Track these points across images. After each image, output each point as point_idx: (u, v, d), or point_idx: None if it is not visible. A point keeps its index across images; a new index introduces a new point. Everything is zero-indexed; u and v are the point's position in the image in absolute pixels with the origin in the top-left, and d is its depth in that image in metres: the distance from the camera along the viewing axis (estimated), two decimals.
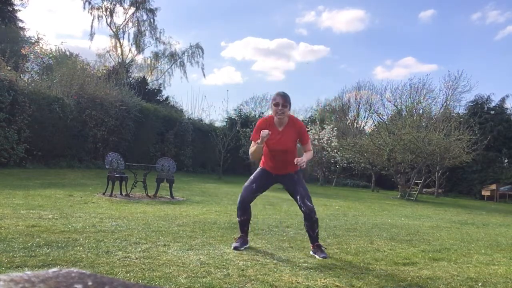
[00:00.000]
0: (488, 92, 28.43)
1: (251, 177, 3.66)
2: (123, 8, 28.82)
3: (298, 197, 3.48)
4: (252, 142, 3.58)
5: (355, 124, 25.94)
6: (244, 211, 3.59)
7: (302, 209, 3.46)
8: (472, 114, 20.25)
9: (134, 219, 4.64)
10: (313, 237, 3.51)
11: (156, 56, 30.42)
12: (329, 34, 44.02)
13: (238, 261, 3.00)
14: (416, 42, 43.09)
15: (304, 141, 3.58)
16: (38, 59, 15.88)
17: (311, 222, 3.49)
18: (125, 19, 29.15)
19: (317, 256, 3.37)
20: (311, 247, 3.53)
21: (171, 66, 30.67)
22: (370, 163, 17.44)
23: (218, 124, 21.73)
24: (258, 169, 3.68)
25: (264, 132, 3.33)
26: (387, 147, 14.83)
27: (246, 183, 3.63)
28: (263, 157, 3.65)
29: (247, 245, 3.54)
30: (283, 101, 3.43)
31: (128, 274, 2.46)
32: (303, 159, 3.35)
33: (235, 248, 3.37)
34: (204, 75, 32.48)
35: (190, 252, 3.17)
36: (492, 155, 21.58)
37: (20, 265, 2.48)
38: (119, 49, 29.75)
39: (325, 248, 3.57)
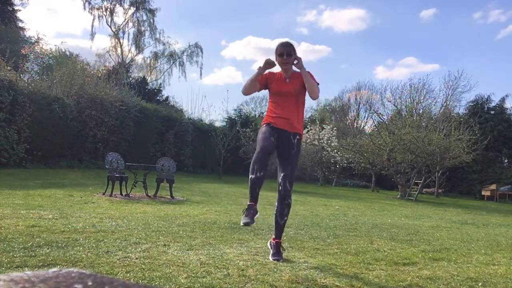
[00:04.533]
0: (488, 92, 28.47)
1: (265, 132, 3.21)
2: (123, 8, 28.89)
3: (282, 175, 3.23)
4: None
5: (355, 124, 25.93)
6: (262, 165, 3.07)
7: (280, 187, 3.24)
8: (472, 114, 20.25)
9: (134, 219, 4.64)
10: (279, 227, 3.30)
11: (156, 56, 30.46)
12: (330, 34, 44.18)
13: (238, 261, 3.00)
14: (418, 42, 43.25)
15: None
16: (38, 59, 15.89)
17: (282, 206, 3.27)
18: (125, 19, 29.21)
19: (270, 253, 3.21)
20: (272, 239, 3.33)
21: (171, 66, 30.71)
22: (370, 163, 17.44)
23: (218, 124, 21.77)
24: (265, 126, 3.29)
25: (269, 59, 3.12)
26: (387, 147, 14.83)
27: (262, 136, 3.18)
28: (268, 110, 3.39)
29: (257, 215, 3.13)
30: (287, 50, 3.26)
31: (128, 274, 2.46)
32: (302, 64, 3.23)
33: (246, 224, 3.00)
34: (201, 74, 32.53)
35: (190, 252, 3.17)
36: (492, 155, 21.59)
37: (20, 265, 2.47)
38: (119, 49, 29.80)
39: (284, 251, 3.30)
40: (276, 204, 3.33)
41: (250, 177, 3.11)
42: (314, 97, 3.37)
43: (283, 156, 3.30)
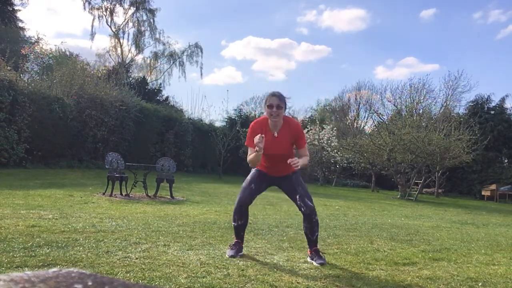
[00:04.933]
0: (488, 92, 28.47)
1: (248, 178, 3.40)
2: (123, 8, 28.90)
3: (297, 197, 3.25)
4: (249, 148, 3.32)
5: (355, 124, 25.94)
6: (241, 214, 3.33)
7: (302, 209, 3.22)
8: (472, 114, 20.25)
9: (134, 219, 4.64)
10: (312, 241, 3.28)
11: (156, 56, 30.46)
12: (330, 34, 44.18)
13: (238, 261, 3.00)
14: (418, 42, 43.27)
15: (300, 145, 3.33)
16: (38, 59, 15.88)
17: (311, 224, 3.25)
18: (125, 19, 29.21)
19: (314, 262, 3.15)
20: (308, 252, 3.31)
21: (171, 66, 30.71)
22: (370, 163, 17.44)
23: (218, 124, 21.76)
24: (254, 170, 3.43)
25: (257, 138, 3.06)
26: (387, 147, 14.83)
27: (244, 185, 3.38)
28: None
29: (242, 253, 3.28)
30: (277, 102, 3.17)
31: (128, 274, 2.46)
32: (298, 161, 3.10)
33: (231, 257, 3.11)
34: (201, 74, 32.59)
35: (190, 252, 3.17)
36: (492, 155, 21.58)
37: (20, 265, 2.48)
38: (119, 49, 29.80)
39: (324, 254, 3.33)
40: (303, 224, 3.32)
41: (233, 223, 3.42)
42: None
43: (286, 187, 3.37)
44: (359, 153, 17.06)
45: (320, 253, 3.26)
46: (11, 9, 21.49)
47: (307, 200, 3.24)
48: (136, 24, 29.28)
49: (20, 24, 21.79)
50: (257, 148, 3.11)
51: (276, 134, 3.26)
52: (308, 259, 3.30)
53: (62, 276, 0.42)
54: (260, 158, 3.24)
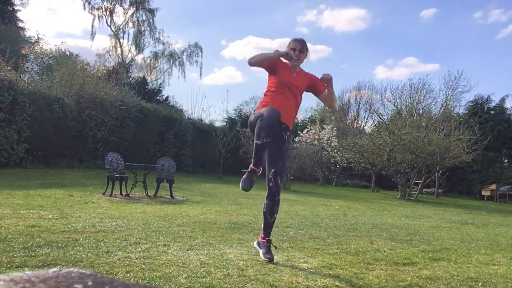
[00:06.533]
0: (488, 92, 28.45)
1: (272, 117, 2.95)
2: (123, 8, 28.90)
3: (272, 170, 3.19)
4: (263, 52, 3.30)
5: (355, 124, 25.92)
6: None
7: (270, 184, 3.18)
8: (472, 114, 20.25)
9: (134, 219, 4.64)
10: (269, 225, 3.22)
11: (156, 56, 30.45)
12: (330, 33, 44.13)
13: (238, 261, 3.00)
14: (418, 42, 43.19)
15: (321, 87, 3.36)
16: (38, 59, 15.88)
17: (273, 202, 3.19)
18: (125, 19, 29.21)
19: (260, 253, 3.11)
20: (260, 238, 3.23)
21: (171, 66, 30.70)
22: (370, 163, 17.44)
23: (218, 124, 21.77)
24: (270, 108, 3.04)
25: (292, 52, 3.17)
26: (387, 147, 14.84)
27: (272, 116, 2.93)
28: (268, 99, 3.22)
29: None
30: (300, 46, 3.25)
31: (128, 274, 2.46)
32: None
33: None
34: (200, 74, 32.56)
35: (190, 252, 3.17)
36: (492, 155, 21.59)
37: (20, 265, 2.47)
38: (119, 49, 29.79)
39: (275, 248, 3.26)
40: (265, 201, 3.24)
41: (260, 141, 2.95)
42: (334, 107, 3.91)
43: (274, 151, 3.22)
44: (359, 153, 17.06)
45: (272, 246, 3.17)
46: (11, 9, 21.48)
47: (279, 178, 3.21)
48: (136, 24, 29.30)
49: (20, 24, 21.78)
50: (281, 50, 3.15)
51: (294, 75, 3.30)
52: (255, 244, 3.28)
53: (62, 276, 0.42)
54: (269, 59, 3.21)
